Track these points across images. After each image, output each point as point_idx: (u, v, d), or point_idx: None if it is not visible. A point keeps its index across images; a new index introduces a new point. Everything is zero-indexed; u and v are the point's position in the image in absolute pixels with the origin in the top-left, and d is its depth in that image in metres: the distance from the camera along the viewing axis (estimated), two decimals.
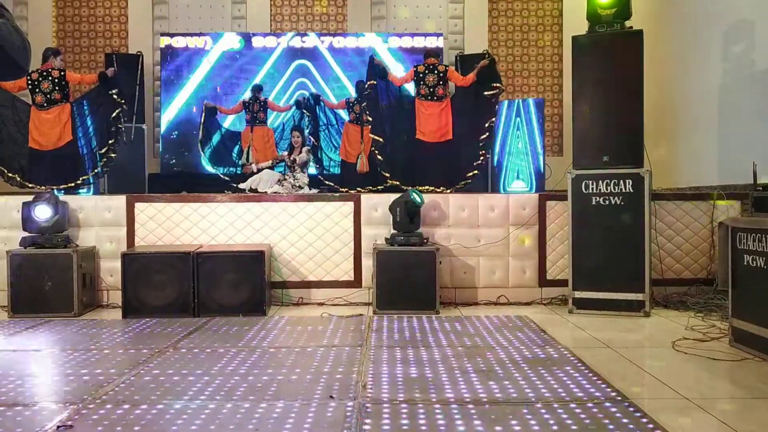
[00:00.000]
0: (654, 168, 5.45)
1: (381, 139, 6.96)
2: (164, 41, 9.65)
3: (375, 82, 7.04)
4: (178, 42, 9.64)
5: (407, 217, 5.60)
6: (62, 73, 6.66)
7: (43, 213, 5.53)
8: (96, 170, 6.71)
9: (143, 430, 2.64)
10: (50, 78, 6.59)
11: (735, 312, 4.05)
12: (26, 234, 5.57)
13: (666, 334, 4.50)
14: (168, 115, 9.60)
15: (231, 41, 9.68)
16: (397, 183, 6.80)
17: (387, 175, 6.91)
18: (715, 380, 3.46)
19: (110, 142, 6.64)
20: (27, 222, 5.57)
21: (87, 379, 3.41)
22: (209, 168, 8.65)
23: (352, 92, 8.93)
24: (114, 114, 6.62)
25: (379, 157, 6.96)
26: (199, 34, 9.69)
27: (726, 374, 3.56)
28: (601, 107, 5.41)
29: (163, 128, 9.57)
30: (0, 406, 2.96)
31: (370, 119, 7.11)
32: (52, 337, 4.52)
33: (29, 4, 9.74)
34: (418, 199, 5.62)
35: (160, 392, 3.15)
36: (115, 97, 6.63)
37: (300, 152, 7.41)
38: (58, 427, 2.67)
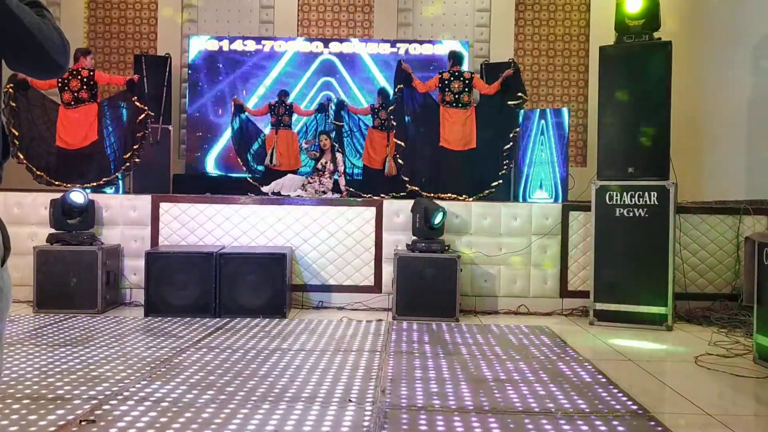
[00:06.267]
0: (679, 181, 5.40)
1: (402, 144, 6.96)
2: (192, 44, 9.76)
3: (402, 86, 7.04)
4: (204, 44, 9.75)
5: (425, 226, 5.59)
6: (91, 73, 6.76)
7: (78, 198, 5.63)
8: (119, 173, 6.80)
9: (163, 427, 2.67)
10: (79, 77, 6.69)
11: (760, 328, 3.98)
12: (53, 231, 5.65)
13: (689, 348, 4.44)
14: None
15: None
16: (417, 188, 6.79)
17: (406, 179, 6.90)
18: (738, 397, 3.41)
19: (135, 147, 6.72)
20: (55, 218, 5.65)
21: (109, 375, 3.45)
22: (254, 166, 8.68)
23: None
24: (140, 118, 6.70)
25: (400, 161, 6.96)
26: (227, 38, 9.79)
27: (750, 391, 3.51)
28: (627, 118, 5.37)
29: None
30: (24, 399, 3.01)
31: (395, 124, 7.12)
32: (75, 333, 4.58)
33: (62, 5, 9.91)
34: (435, 221, 5.56)
35: (180, 391, 3.18)
36: (137, 104, 6.72)
37: (334, 156, 7.46)
38: (81, 421, 2.71)
